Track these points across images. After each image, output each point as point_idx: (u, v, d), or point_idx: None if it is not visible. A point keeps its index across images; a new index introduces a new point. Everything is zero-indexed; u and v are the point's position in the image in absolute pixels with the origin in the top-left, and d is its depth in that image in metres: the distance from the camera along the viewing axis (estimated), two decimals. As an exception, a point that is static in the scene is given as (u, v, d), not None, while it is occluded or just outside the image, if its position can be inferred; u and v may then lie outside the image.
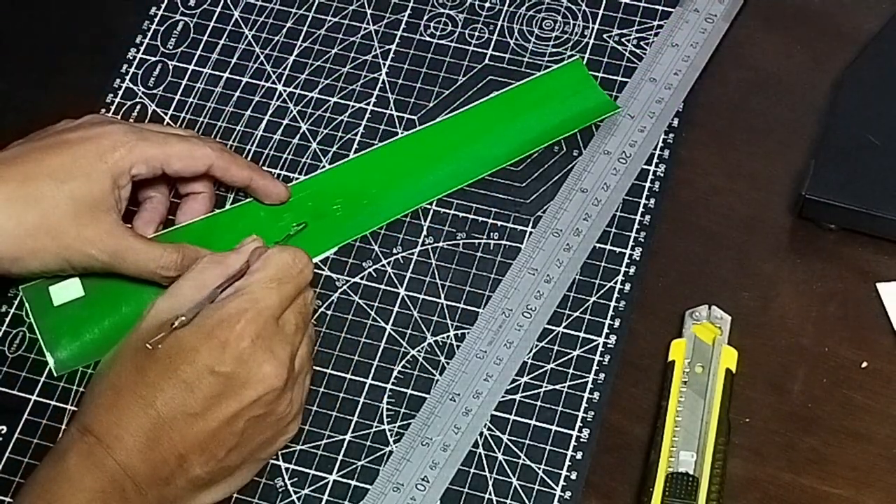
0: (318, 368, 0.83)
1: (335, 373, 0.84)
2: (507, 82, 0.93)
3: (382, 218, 0.88)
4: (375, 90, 0.93)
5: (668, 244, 0.87)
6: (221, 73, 0.95)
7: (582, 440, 0.80)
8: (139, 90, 0.94)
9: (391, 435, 0.81)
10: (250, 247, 0.81)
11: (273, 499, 0.80)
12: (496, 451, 0.81)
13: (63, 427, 0.83)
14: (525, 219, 0.88)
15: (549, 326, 0.84)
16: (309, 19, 0.97)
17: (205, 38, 0.96)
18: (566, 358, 0.83)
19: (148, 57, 0.96)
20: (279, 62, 0.95)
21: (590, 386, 0.82)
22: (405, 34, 0.95)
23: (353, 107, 0.93)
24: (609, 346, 0.83)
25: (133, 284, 0.84)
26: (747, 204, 0.88)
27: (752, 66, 0.93)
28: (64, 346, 0.85)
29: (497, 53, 0.94)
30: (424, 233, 0.88)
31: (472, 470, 0.80)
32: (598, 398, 0.82)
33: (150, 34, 0.97)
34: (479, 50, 0.94)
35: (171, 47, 0.96)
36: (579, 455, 0.80)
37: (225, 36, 0.96)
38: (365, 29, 0.96)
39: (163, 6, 0.98)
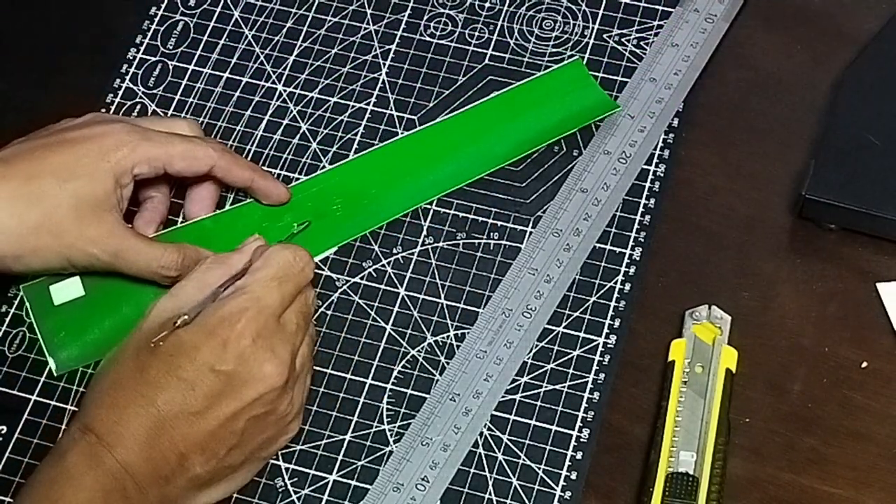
0: (318, 368, 0.83)
1: (335, 373, 0.84)
2: (507, 82, 0.93)
3: (382, 218, 0.88)
4: (375, 90, 0.93)
5: (668, 244, 0.87)
6: (221, 73, 0.95)
7: (582, 440, 0.80)
8: (139, 90, 0.94)
9: (391, 435, 0.81)
10: (252, 246, 0.81)
11: (273, 499, 0.80)
12: (496, 451, 0.81)
13: (63, 427, 0.83)
14: (525, 219, 0.88)
15: (549, 326, 0.84)
16: (309, 19, 0.97)
17: (205, 38, 0.96)
18: (566, 358, 0.83)
19: (148, 57, 0.96)
20: (279, 62, 0.95)
21: (590, 386, 0.82)
22: (405, 34, 0.95)
23: (353, 107, 0.93)
24: (609, 346, 0.83)
25: (134, 284, 0.84)
26: (747, 204, 0.88)
27: (752, 66, 0.93)
28: (64, 346, 0.85)
29: (497, 53, 0.94)
30: (424, 233, 0.88)
31: (472, 470, 0.80)
32: (598, 398, 0.82)
33: (150, 34, 0.97)
34: (479, 50, 0.94)
35: (171, 47, 0.96)
36: (579, 455, 0.80)
37: (225, 36, 0.96)
38: (365, 29, 0.96)
39: (163, 6, 0.98)
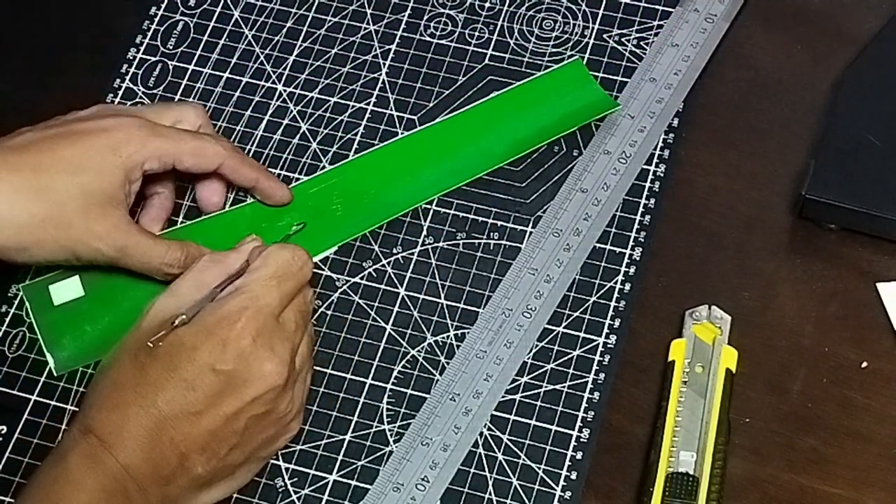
0: (318, 368, 0.83)
1: (335, 373, 0.84)
2: (507, 82, 0.93)
3: (382, 218, 0.88)
4: (375, 90, 0.93)
5: (668, 244, 0.87)
6: (221, 73, 0.95)
7: (582, 440, 0.80)
8: (139, 90, 0.94)
9: (391, 435, 0.81)
10: (249, 246, 0.81)
11: (273, 499, 0.80)
12: (496, 451, 0.80)
13: (63, 427, 0.83)
14: (525, 219, 0.88)
15: (549, 326, 0.84)
16: (309, 19, 0.97)
17: (205, 38, 0.96)
18: (566, 358, 0.83)
19: (148, 57, 0.96)
20: (279, 62, 0.95)
21: (590, 386, 0.82)
22: (405, 34, 0.95)
23: (353, 107, 0.93)
24: (609, 346, 0.83)
25: (133, 284, 0.84)
26: (747, 204, 0.88)
27: (752, 66, 0.93)
28: (64, 346, 0.85)
29: (497, 53, 0.94)
30: (424, 233, 0.88)
31: (472, 470, 0.80)
32: (598, 398, 0.82)
33: (150, 34, 0.97)
34: (479, 50, 0.94)
35: (171, 47, 0.96)
36: (579, 455, 0.80)
37: (225, 36, 0.96)
38: (365, 29, 0.96)
39: (163, 6, 0.98)
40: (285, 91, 0.94)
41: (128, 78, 0.95)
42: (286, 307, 0.77)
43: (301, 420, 0.80)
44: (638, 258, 0.86)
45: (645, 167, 0.89)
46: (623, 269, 0.86)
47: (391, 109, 0.93)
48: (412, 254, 0.87)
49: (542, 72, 0.93)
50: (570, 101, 0.91)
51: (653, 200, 0.88)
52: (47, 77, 0.96)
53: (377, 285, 0.86)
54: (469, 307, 0.85)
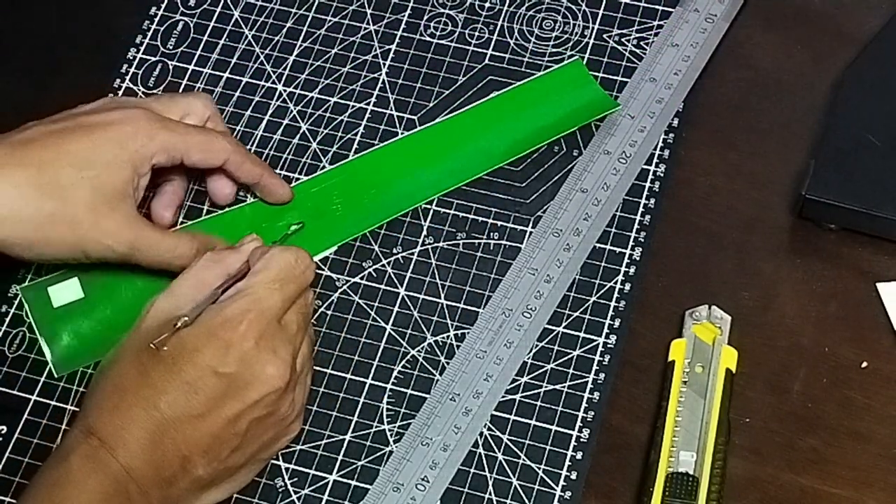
0: (318, 368, 0.83)
1: (335, 373, 0.84)
2: (507, 82, 0.93)
3: (382, 218, 0.88)
4: (375, 90, 0.93)
5: (668, 244, 0.87)
6: (221, 73, 0.95)
7: (582, 440, 0.80)
8: (139, 90, 0.94)
9: (391, 435, 0.81)
10: (249, 246, 0.81)
11: (273, 499, 0.80)
12: (496, 451, 0.80)
13: (63, 427, 0.83)
14: (525, 219, 0.88)
15: (549, 326, 0.84)
16: (309, 19, 0.97)
17: (205, 38, 0.96)
18: (566, 358, 0.83)
19: (148, 57, 0.96)
20: (279, 62, 0.95)
21: (590, 386, 0.82)
22: (405, 34, 0.95)
23: (353, 107, 0.93)
24: (609, 346, 0.83)
25: (133, 284, 0.84)
26: (747, 204, 0.88)
27: (752, 66, 0.93)
28: (64, 347, 0.84)
29: (497, 53, 0.94)
30: (424, 233, 0.88)
31: (472, 470, 0.80)
32: (598, 398, 0.82)
33: (150, 34, 0.97)
34: (479, 50, 0.94)
35: (171, 47, 0.96)
36: (579, 455, 0.80)
37: (225, 36, 0.96)
38: (365, 29, 0.96)
39: (163, 6, 0.98)
40: (285, 91, 0.94)
41: (128, 78, 0.95)
42: (288, 310, 0.77)
43: (301, 421, 0.80)
44: (638, 258, 0.86)
45: (645, 167, 0.89)
46: (623, 269, 0.86)
47: (391, 109, 0.93)
48: (412, 254, 0.87)
49: (542, 72, 0.93)
50: (570, 101, 0.91)
51: (653, 200, 0.88)
52: (47, 77, 0.96)
53: (377, 285, 0.86)
54: (469, 307, 0.85)
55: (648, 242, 0.86)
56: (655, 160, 0.89)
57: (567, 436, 0.81)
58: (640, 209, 0.87)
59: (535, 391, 0.82)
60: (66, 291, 0.85)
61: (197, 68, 0.95)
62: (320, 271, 0.87)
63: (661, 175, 0.89)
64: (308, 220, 0.87)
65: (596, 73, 0.92)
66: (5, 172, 0.77)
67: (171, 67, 0.95)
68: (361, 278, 0.87)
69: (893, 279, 0.84)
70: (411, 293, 0.86)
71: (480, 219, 0.88)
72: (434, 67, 0.94)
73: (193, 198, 0.89)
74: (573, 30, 0.95)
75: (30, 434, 0.83)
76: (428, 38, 0.95)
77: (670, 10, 0.94)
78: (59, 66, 0.96)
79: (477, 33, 0.95)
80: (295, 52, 0.95)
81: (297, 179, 0.90)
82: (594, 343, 0.83)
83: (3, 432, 0.83)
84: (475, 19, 0.96)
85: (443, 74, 0.94)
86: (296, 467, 0.81)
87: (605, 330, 0.84)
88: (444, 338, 0.84)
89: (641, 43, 0.94)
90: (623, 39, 0.94)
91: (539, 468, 0.80)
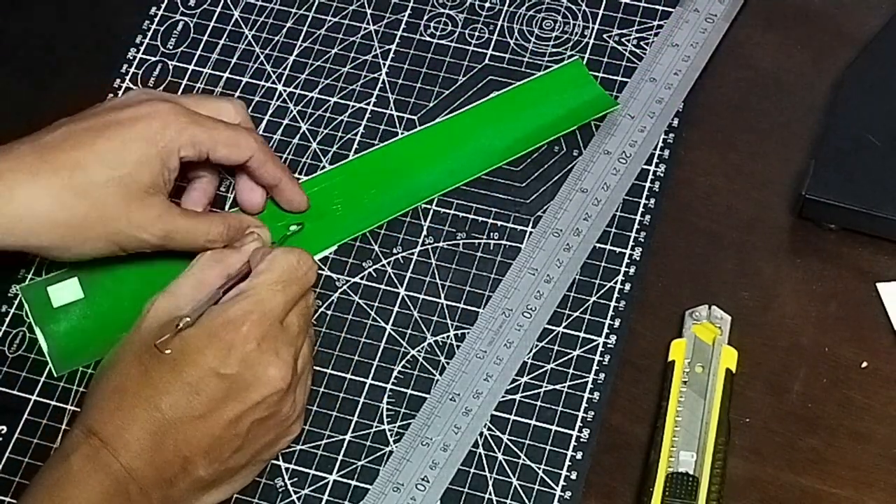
0: (318, 368, 0.83)
1: (335, 373, 0.84)
2: (507, 82, 0.93)
3: (382, 218, 0.88)
4: (375, 90, 0.93)
5: (668, 244, 0.87)
6: (221, 73, 0.95)
7: (582, 440, 0.80)
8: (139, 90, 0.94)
9: (391, 435, 0.81)
10: (250, 246, 0.81)
11: (273, 499, 0.80)
12: (496, 451, 0.80)
13: (63, 427, 0.83)
14: (525, 219, 0.88)
15: (549, 326, 0.84)
16: (309, 19, 0.97)
17: (205, 38, 0.96)
18: (566, 358, 0.83)
19: (148, 57, 0.96)
20: (279, 62, 0.95)
21: (590, 386, 0.82)
22: (405, 34, 0.95)
23: (353, 107, 0.93)
24: (609, 346, 0.83)
25: (133, 284, 0.84)
26: (747, 204, 0.88)
27: (752, 66, 0.93)
28: (64, 347, 0.84)
29: (497, 53, 0.94)
30: (424, 233, 0.88)
31: (472, 470, 0.80)
32: (598, 398, 0.82)
33: (150, 34, 0.97)
34: (479, 50, 0.94)
35: (171, 47, 0.96)
36: (579, 455, 0.80)
37: (225, 36, 0.96)
38: (365, 29, 0.96)
39: (163, 6, 0.98)
40: (285, 91, 0.94)
41: (128, 78, 0.95)
42: (290, 311, 0.77)
43: (302, 422, 0.80)
44: (638, 258, 0.86)
45: (645, 167, 0.89)
46: (623, 269, 0.86)
47: (391, 109, 0.93)
48: (412, 254, 0.87)
49: (542, 72, 0.93)
50: (570, 101, 0.91)
51: (653, 200, 0.88)
52: (47, 77, 0.96)
53: (377, 285, 0.86)
54: (469, 307, 0.85)
55: (648, 242, 0.86)
56: (655, 160, 0.89)
57: (567, 436, 0.81)
58: (640, 209, 0.87)
59: (535, 391, 0.82)
60: (65, 291, 0.85)
61: (197, 68, 0.95)
62: (320, 271, 0.87)
63: (661, 175, 0.89)
64: (308, 220, 0.87)
65: (596, 73, 0.92)
66: (39, 179, 0.77)
67: (171, 67, 0.95)
68: (361, 278, 0.87)
69: (893, 279, 0.84)
70: (411, 293, 0.86)
71: (480, 219, 0.88)
72: (434, 67, 0.94)
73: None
74: (573, 30, 0.95)
75: (30, 434, 0.83)
76: (428, 38, 0.95)
77: (670, 10, 0.94)
78: (59, 66, 0.96)
79: (477, 33, 0.95)
80: (295, 52, 0.95)
81: (298, 179, 0.90)
82: (594, 343, 0.83)
83: (3, 432, 0.83)
84: (475, 19, 0.96)
85: (443, 74, 0.94)
86: (296, 467, 0.81)
87: (605, 330, 0.84)
88: (444, 338, 0.84)
89: (641, 43, 0.94)
90: (623, 39, 0.94)
91: (539, 468, 0.80)
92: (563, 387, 0.82)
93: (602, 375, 0.82)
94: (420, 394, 0.82)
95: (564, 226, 0.87)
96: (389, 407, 0.82)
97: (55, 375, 0.84)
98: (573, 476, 0.79)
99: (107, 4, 0.99)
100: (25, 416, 0.83)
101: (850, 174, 0.84)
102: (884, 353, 0.82)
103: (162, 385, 0.73)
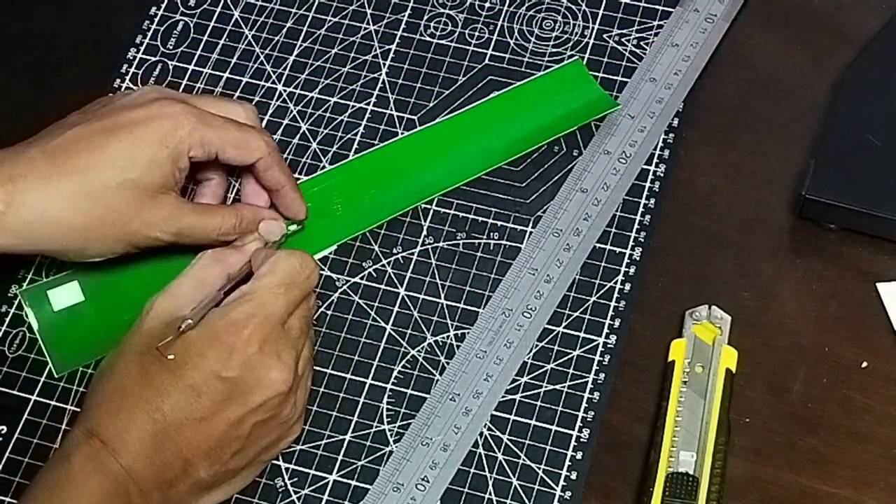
0: (318, 368, 0.83)
1: (335, 373, 0.84)
2: (507, 82, 0.93)
3: (382, 218, 0.88)
4: (375, 90, 0.93)
5: (668, 244, 0.87)
6: (221, 73, 0.95)
7: (582, 440, 0.80)
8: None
9: (391, 435, 0.81)
10: (251, 247, 0.81)
11: (273, 499, 0.80)
12: (496, 451, 0.81)
13: (63, 427, 0.83)
14: (525, 219, 0.88)
15: (549, 326, 0.84)
16: (309, 19, 0.97)
17: (205, 38, 0.96)
18: (566, 358, 0.83)
19: (148, 57, 0.96)
20: (279, 62, 0.95)
21: (590, 386, 0.82)
22: (405, 34, 0.95)
23: (353, 107, 0.93)
24: (609, 346, 0.83)
25: (133, 285, 0.84)
26: (747, 204, 0.88)
27: (752, 66, 0.93)
28: (64, 347, 0.84)
29: (497, 53, 0.94)
30: (424, 233, 0.88)
31: (472, 470, 0.80)
32: (598, 398, 0.82)
33: (150, 34, 0.97)
34: (479, 50, 0.94)
35: (171, 47, 0.96)
36: (579, 455, 0.80)
37: (225, 36, 0.96)
38: (365, 29, 0.96)
39: (163, 6, 0.98)
40: (285, 91, 0.94)
41: (128, 78, 0.95)
42: (292, 314, 0.77)
43: (303, 423, 0.80)
44: (638, 258, 0.86)
45: (645, 167, 0.89)
46: (623, 269, 0.86)
47: (391, 109, 0.93)
48: (412, 254, 0.87)
49: (542, 72, 0.93)
50: (570, 101, 0.91)
51: (653, 200, 0.88)
52: (47, 77, 0.96)
53: (377, 285, 0.86)
54: (469, 307, 0.85)
55: (648, 242, 0.86)
56: (655, 160, 0.89)
57: (567, 436, 0.81)
58: (640, 209, 0.87)
59: (535, 391, 0.82)
60: (65, 294, 0.85)
61: (197, 68, 0.95)
62: (320, 271, 0.86)
63: (661, 175, 0.89)
64: (308, 220, 0.87)
65: (596, 73, 0.92)
66: (52, 184, 0.77)
67: (171, 67, 0.95)
68: (361, 278, 0.87)
69: (893, 279, 0.84)
70: (411, 293, 0.86)
71: (480, 219, 0.88)
72: (434, 67, 0.94)
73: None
74: (573, 30, 0.95)
75: (30, 434, 0.83)
76: (428, 38, 0.95)
77: (670, 10, 0.94)
78: (59, 66, 0.96)
79: (477, 33, 0.95)
80: (295, 52, 0.95)
81: (298, 179, 0.90)
82: (594, 343, 0.83)
83: (3, 432, 0.83)
84: (475, 19, 0.96)
85: (443, 74, 0.94)
86: (296, 467, 0.81)
87: (605, 330, 0.84)
88: (444, 338, 0.84)
89: (641, 43, 0.94)
90: (623, 39, 0.94)
91: (539, 468, 0.80)
92: (563, 387, 0.82)
93: (602, 375, 0.82)
94: (420, 394, 0.82)
95: (564, 226, 0.87)
96: (389, 407, 0.82)
97: (55, 375, 0.84)
98: (573, 476, 0.79)
99: (107, 4, 0.99)
100: (25, 416, 0.83)
101: (850, 174, 0.84)
102: (884, 353, 0.82)
103: (163, 387, 0.73)
